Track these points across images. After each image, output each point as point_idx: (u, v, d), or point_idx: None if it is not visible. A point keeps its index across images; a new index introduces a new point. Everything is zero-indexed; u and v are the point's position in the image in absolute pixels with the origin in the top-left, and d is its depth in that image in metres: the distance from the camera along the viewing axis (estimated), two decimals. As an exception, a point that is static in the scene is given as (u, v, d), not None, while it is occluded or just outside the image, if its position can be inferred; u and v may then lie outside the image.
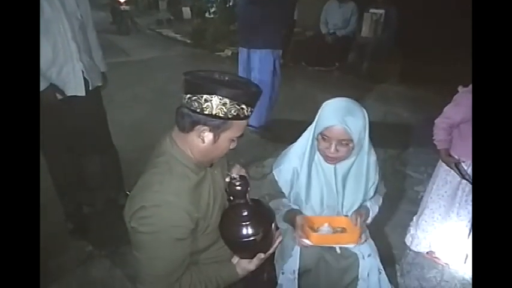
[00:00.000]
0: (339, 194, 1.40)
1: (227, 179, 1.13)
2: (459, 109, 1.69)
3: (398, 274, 1.99)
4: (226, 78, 1.05)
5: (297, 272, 1.38)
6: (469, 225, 1.85)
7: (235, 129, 1.04)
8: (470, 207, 1.81)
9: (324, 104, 1.33)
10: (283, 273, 1.40)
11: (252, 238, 1.07)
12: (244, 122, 1.05)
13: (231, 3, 7.17)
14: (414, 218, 2.09)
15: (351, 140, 1.26)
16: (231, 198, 1.14)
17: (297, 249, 1.38)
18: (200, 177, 1.10)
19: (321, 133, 1.29)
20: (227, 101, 0.96)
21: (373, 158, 1.40)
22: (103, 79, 2.19)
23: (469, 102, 1.46)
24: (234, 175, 1.11)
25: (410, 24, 5.16)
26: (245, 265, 1.16)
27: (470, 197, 1.80)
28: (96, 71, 2.10)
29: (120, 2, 8.58)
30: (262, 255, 1.15)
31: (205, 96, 0.96)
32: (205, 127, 1.01)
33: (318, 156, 1.38)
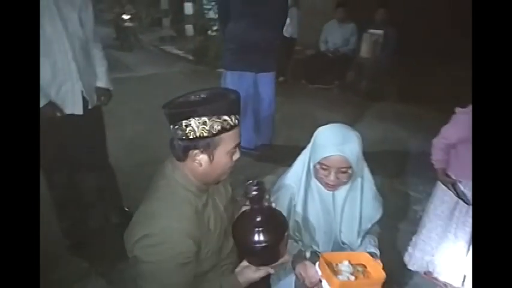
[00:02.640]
0: (336, 220, 1.37)
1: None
2: (456, 129, 1.71)
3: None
4: (203, 96, 1.02)
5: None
6: (467, 245, 1.84)
7: (227, 142, 1.02)
8: (467, 228, 1.81)
9: (318, 131, 1.31)
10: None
11: (263, 244, 1.05)
12: (234, 131, 1.03)
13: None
14: (413, 237, 2.09)
15: (350, 167, 1.25)
16: (247, 203, 1.12)
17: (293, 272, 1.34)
18: (202, 202, 1.10)
19: (319, 162, 1.27)
20: (206, 119, 0.95)
21: (369, 184, 1.38)
22: (106, 95, 2.17)
23: (466, 123, 1.48)
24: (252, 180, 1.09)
25: (409, 44, 5.25)
26: (249, 274, 1.12)
27: (467, 218, 1.80)
28: (98, 89, 2.09)
29: (124, 18, 8.78)
30: (269, 269, 1.11)
31: (183, 122, 0.96)
32: (197, 150, 1.01)
33: (314, 183, 1.36)
